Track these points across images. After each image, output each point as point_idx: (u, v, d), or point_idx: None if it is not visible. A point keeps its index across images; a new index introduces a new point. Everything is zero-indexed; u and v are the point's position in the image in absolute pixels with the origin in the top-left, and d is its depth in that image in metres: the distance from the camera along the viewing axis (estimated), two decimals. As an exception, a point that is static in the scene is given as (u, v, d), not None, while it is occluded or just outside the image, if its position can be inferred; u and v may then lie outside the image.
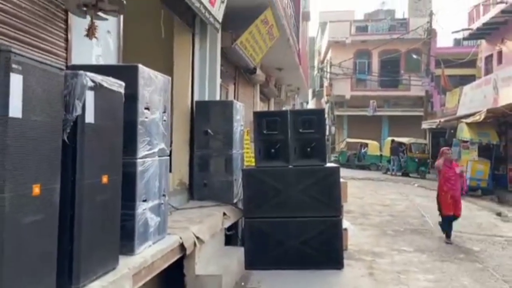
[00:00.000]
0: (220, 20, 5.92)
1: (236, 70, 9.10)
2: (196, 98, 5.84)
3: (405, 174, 20.01)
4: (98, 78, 2.41)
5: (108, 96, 2.53)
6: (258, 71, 9.90)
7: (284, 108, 18.85)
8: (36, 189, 1.90)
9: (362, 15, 35.85)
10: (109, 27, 3.58)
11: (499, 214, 9.82)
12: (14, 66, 1.75)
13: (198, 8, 5.05)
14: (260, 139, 5.27)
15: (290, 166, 5.12)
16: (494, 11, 16.94)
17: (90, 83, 2.32)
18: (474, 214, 9.88)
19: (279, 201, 5.02)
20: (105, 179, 2.50)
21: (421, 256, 5.83)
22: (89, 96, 2.32)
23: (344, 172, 18.89)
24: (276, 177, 5.07)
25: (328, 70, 29.53)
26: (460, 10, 29.07)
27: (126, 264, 2.74)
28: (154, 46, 5.65)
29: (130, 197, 2.91)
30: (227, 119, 5.37)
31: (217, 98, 6.41)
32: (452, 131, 16.19)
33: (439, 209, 6.91)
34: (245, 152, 6.30)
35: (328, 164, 5.43)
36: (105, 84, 2.47)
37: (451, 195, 6.71)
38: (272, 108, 14.99)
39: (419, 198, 12.21)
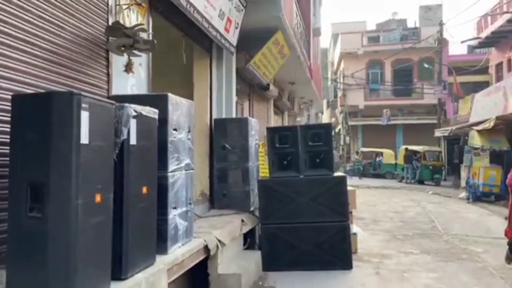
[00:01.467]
0: (235, 44, 6.52)
1: (251, 87, 9.67)
2: (214, 116, 6.42)
3: (421, 182, 20.18)
4: (139, 108, 2.99)
5: (146, 122, 3.10)
6: (271, 87, 10.46)
7: (298, 119, 19.38)
8: (98, 197, 2.46)
9: (374, 26, 36.26)
10: (141, 60, 4.18)
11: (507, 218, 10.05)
12: (83, 105, 2.33)
13: (214, 36, 5.68)
14: (273, 152, 5.79)
15: (301, 176, 5.61)
16: (501, 20, 17.25)
17: (133, 113, 2.90)
18: (484, 218, 10.19)
19: (292, 208, 5.49)
20: (145, 189, 3.06)
21: (426, 257, 6.21)
22: (133, 123, 2.89)
23: (359, 181, 19.33)
24: (289, 187, 5.55)
25: (341, 81, 29.98)
26: (470, 19, 29.70)
27: (162, 261, 3.26)
28: (177, 72, 6.30)
29: (163, 205, 3.43)
30: (242, 134, 5.91)
31: (233, 115, 6.99)
32: (466, 138, 16.39)
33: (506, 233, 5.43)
34: (260, 164, 6.82)
35: (336, 174, 5.91)
36: (143, 113, 3.05)
37: None
38: (286, 121, 15.51)
39: (431, 205, 12.51)
